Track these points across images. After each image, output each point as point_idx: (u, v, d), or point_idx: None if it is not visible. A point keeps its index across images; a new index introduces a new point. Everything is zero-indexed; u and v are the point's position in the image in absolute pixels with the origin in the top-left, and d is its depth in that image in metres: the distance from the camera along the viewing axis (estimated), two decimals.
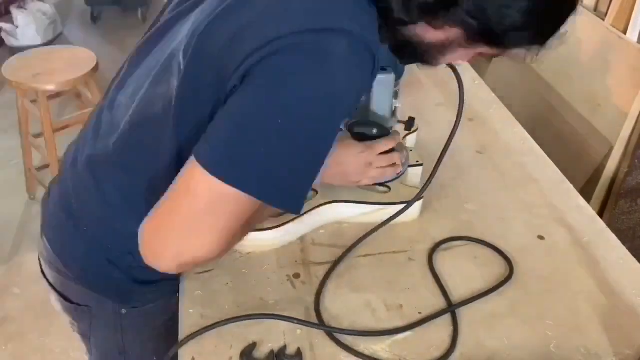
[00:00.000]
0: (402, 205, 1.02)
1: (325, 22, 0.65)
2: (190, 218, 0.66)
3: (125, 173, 0.82)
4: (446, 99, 1.43)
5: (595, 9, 2.03)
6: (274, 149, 0.65)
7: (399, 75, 0.96)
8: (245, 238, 0.80)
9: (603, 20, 1.95)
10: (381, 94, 0.95)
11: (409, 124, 0.99)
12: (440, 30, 0.70)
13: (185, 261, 0.69)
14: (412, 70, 1.55)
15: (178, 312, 0.87)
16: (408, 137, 1.18)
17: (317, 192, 1.03)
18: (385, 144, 0.95)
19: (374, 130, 0.95)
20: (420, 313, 0.87)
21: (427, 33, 0.71)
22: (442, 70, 1.58)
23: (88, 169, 0.85)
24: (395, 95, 0.98)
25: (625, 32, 1.85)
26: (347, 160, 0.92)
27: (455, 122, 0.94)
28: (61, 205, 0.89)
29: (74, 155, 0.89)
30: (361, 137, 0.95)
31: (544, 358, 0.81)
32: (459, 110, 0.93)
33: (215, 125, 0.67)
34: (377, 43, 0.69)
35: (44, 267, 0.95)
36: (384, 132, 0.96)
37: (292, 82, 0.65)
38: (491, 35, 0.68)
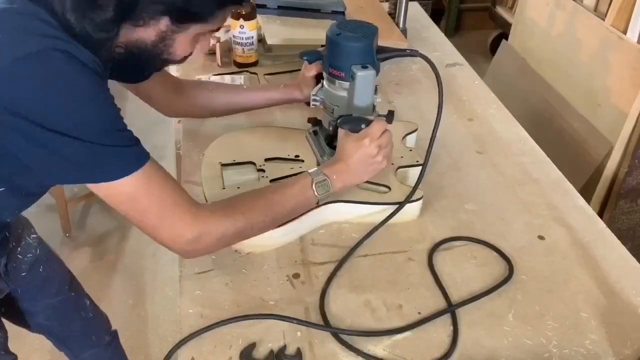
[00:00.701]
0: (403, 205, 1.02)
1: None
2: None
3: None
4: (446, 99, 1.43)
5: (595, 9, 2.03)
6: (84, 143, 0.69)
7: (377, 72, 0.99)
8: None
9: (603, 20, 1.95)
10: (363, 89, 0.98)
11: (389, 116, 1.00)
12: (149, 27, 0.75)
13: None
14: (412, 70, 1.56)
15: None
16: (408, 137, 1.18)
17: None
18: (379, 128, 0.96)
19: (362, 125, 0.96)
20: (419, 313, 0.87)
21: (138, 35, 0.76)
22: (442, 70, 1.58)
23: None
24: (375, 90, 1.01)
25: (625, 32, 1.85)
26: (354, 158, 0.95)
27: (438, 112, 1.02)
28: None
29: None
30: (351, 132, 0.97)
31: (544, 358, 0.81)
32: (439, 99, 1.02)
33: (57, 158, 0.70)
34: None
35: None
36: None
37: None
38: (182, 9, 0.75)
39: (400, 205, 1.00)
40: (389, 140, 0.97)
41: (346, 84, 0.99)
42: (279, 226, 0.95)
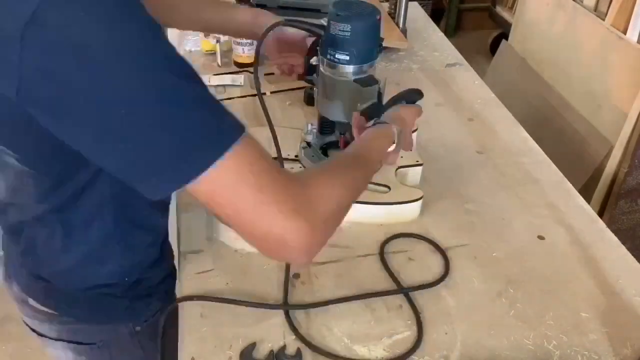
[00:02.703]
0: (402, 205, 1.02)
1: None
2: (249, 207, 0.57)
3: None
4: (446, 99, 1.43)
5: (595, 9, 2.03)
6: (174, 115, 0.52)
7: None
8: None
9: (603, 20, 1.95)
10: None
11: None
12: None
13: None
14: (412, 70, 1.56)
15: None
16: None
17: None
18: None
19: (417, 97, 0.97)
20: (420, 313, 0.87)
21: None
22: (442, 70, 1.58)
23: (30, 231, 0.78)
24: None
25: (625, 32, 1.85)
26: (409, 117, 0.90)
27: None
28: (34, 276, 0.83)
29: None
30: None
31: (544, 358, 0.81)
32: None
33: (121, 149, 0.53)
34: None
35: (36, 326, 0.90)
36: None
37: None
38: None
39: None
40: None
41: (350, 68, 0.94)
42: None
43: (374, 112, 0.92)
